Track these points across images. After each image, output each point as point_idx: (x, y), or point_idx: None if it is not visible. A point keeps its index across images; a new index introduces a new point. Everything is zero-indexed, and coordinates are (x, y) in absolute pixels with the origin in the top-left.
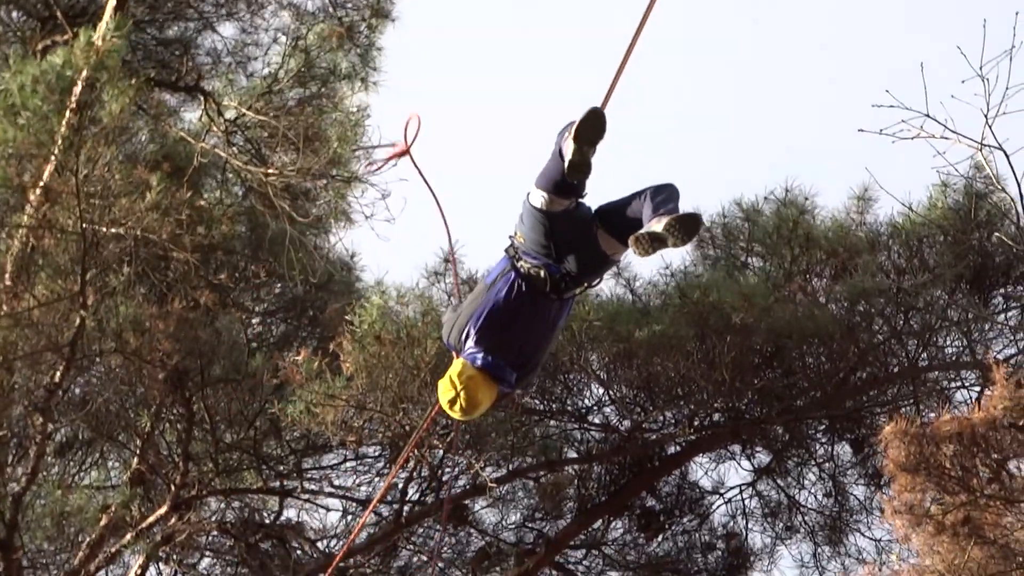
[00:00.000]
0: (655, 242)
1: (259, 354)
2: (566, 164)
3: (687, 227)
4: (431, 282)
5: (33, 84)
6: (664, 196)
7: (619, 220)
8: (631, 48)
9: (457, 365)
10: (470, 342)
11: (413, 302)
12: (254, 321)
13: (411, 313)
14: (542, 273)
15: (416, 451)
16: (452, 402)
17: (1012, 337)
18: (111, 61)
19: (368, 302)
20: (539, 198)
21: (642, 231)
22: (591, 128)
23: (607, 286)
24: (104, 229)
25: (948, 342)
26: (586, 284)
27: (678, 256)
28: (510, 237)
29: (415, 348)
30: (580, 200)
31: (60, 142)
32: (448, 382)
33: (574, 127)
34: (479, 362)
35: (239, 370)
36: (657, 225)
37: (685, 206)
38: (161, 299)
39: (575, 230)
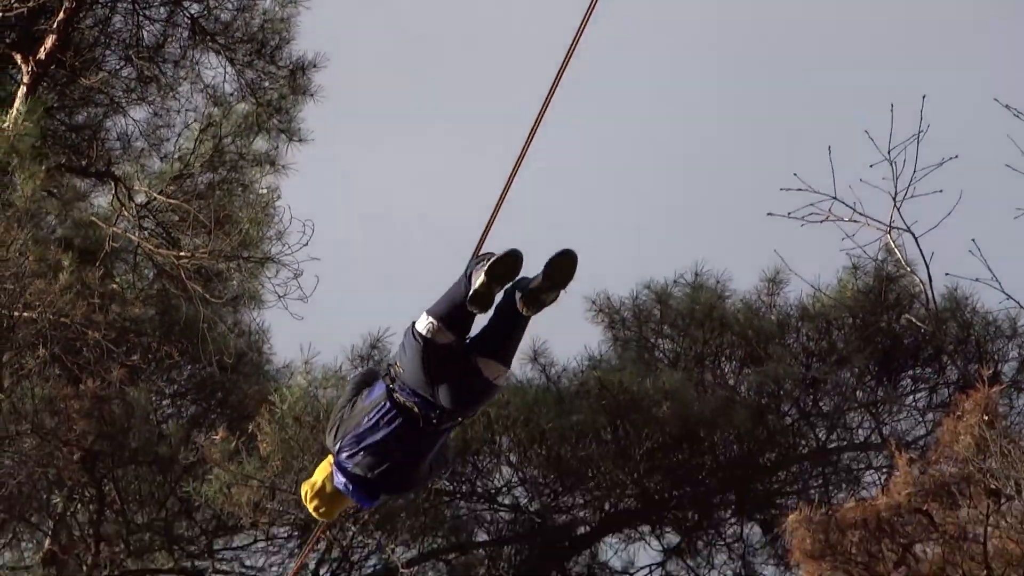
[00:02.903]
0: (536, 298)
1: (170, 435)
2: (471, 291)
3: (562, 268)
4: (354, 366)
5: None
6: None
7: (492, 338)
8: (535, 128)
9: (321, 473)
10: (342, 455)
11: (334, 385)
12: (164, 403)
13: (331, 396)
14: (415, 409)
15: (327, 532)
16: (310, 505)
17: (921, 419)
18: (22, 145)
19: (291, 384)
20: (425, 324)
21: (528, 288)
22: (506, 268)
23: (522, 370)
24: (17, 313)
25: (857, 425)
26: (460, 418)
27: (593, 341)
28: (389, 366)
29: None
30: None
31: None
32: (312, 486)
33: (490, 262)
34: (339, 484)
35: (149, 451)
36: (535, 281)
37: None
38: (75, 380)
39: (454, 363)
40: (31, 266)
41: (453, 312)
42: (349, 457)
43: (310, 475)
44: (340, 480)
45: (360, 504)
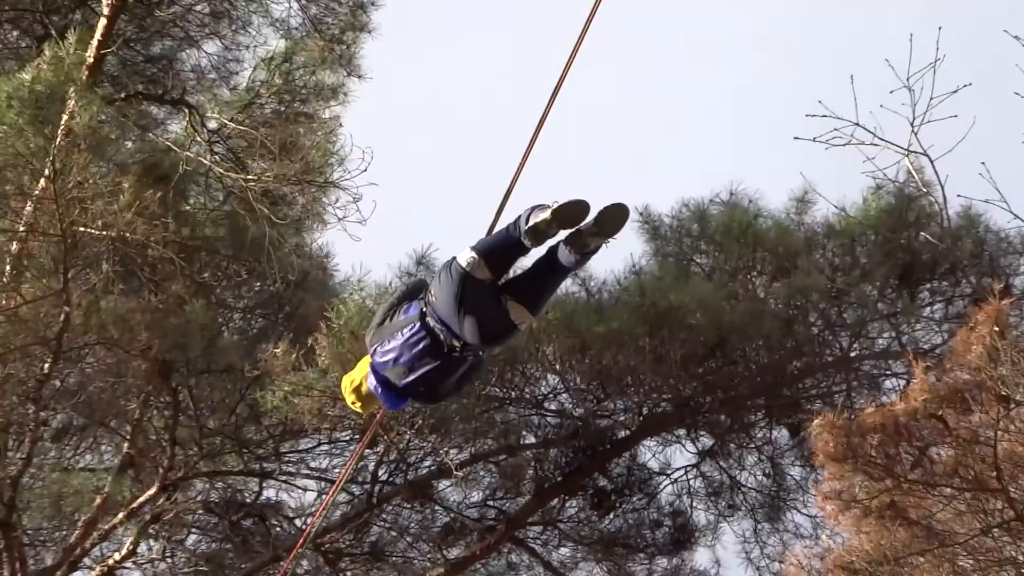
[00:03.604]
0: (584, 241)
1: (240, 347)
2: (532, 224)
3: (614, 219)
4: (404, 282)
5: (7, 100)
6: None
7: (526, 286)
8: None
9: (360, 372)
10: (376, 359)
11: (387, 300)
12: (235, 317)
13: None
14: (442, 336)
15: (386, 436)
16: (347, 398)
17: (937, 328)
18: (76, 74)
19: (347, 300)
20: (467, 258)
21: (577, 229)
22: (573, 213)
23: (564, 285)
24: (83, 229)
25: (878, 334)
26: (482, 352)
27: (637, 253)
28: (426, 291)
29: None
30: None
31: (36, 152)
32: (351, 380)
33: (560, 203)
34: (371, 385)
35: (220, 362)
36: (585, 226)
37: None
38: (147, 294)
39: (485, 300)
40: (93, 188)
41: (496, 251)
42: (382, 364)
43: (353, 369)
44: (373, 382)
45: (387, 406)
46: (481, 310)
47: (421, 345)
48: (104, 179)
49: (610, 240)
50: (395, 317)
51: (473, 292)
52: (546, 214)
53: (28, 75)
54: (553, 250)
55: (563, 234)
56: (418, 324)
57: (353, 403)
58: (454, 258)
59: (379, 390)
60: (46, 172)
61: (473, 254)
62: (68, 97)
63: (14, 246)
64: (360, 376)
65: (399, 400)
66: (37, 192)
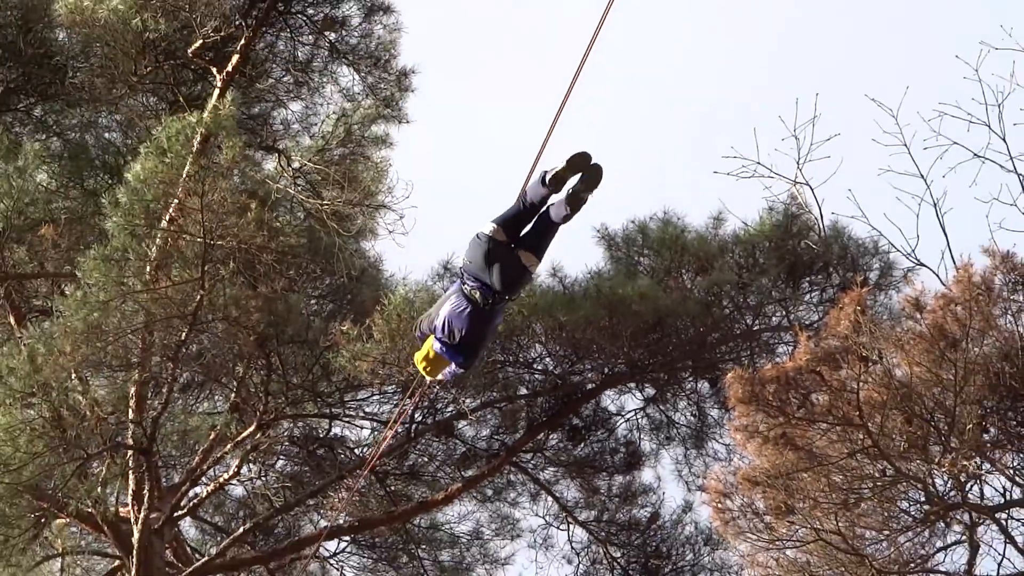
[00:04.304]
0: (575, 198)
1: (315, 324)
2: (552, 172)
3: (593, 175)
4: (433, 281)
5: (176, 135)
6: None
7: (531, 239)
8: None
9: (428, 345)
10: (436, 331)
11: (422, 293)
12: (312, 303)
13: (421, 300)
14: (478, 294)
15: (422, 389)
16: (420, 366)
17: (815, 309)
18: (228, 122)
19: (394, 291)
20: (490, 227)
21: (567, 193)
22: (582, 158)
23: (546, 281)
24: (213, 240)
25: (773, 314)
26: (507, 298)
27: (596, 261)
28: (461, 269)
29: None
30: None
31: (190, 175)
32: (423, 353)
33: (572, 154)
34: (439, 348)
35: (302, 334)
36: (575, 185)
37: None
38: (253, 286)
39: (504, 254)
40: (227, 207)
41: (510, 220)
42: (441, 331)
43: (420, 350)
44: (437, 346)
45: (451, 360)
46: (503, 261)
47: (463, 310)
48: (234, 199)
49: (593, 192)
50: (443, 301)
51: (495, 250)
52: (562, 164)
53: (193, 119)
54: (547, 212)
55: (561, 195)
56: (460, 294)
57: (425, 369)
58: (479, 231)
59: (444, 350)
60: (196, 190)
61: (493, 224)
62: (218, 136)
63: (168, 242)
64: (427, 348)
65: (458, 354)
66: (189, 204)
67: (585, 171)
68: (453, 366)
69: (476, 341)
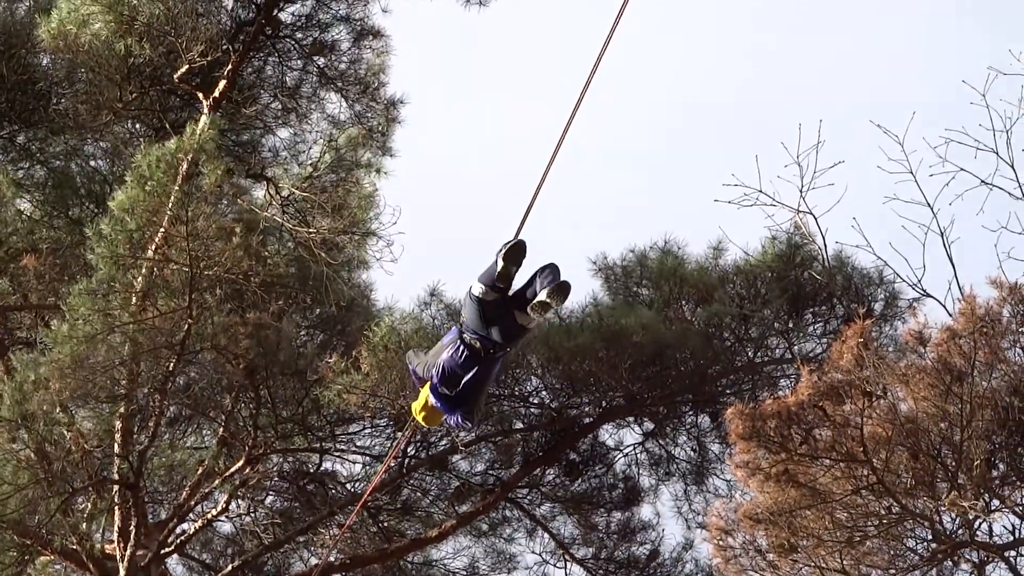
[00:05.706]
0: (543, 306)
1: (304, 356)
2: (493, 282)
3: (561, 292)
4: (421, 309)
5: (156, 162)
6: (546, 273)
7: (524, 300)
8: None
9: (423, 397)
10: (433, 380)
11: (409, 322)
12: (301, 333)
13: (408, 330)
14: (477, 344)
15: (412, 421)
16: (419, 416)
17: (818, 342)
18: (209, 145)
19: (381, 322)
20: (479, 289)
21: (535, 301)
22: (514, 255)
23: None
24: (202, 266)
25: (775, 346)
26: (507, 349)
27: (596, 288)
28: (460, 317)
29: None
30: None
31: (173, 202)
32: (419, 404)
33: (504, 250)
34: (434, 401)
35: (291, 366)
36: (542, 295)
37: (566, 274)
38: (240, 315)
39: (499, 312)
40: (211, 233)
41: (493, 282)
42: (438, 380)
43: (416, 399)
44: (433, 400)
45: (446, 413)
46: (500, 320)
47: (462, 356)
48: (218, 225)
49: (560, 306)
50: (439, 348)
51: (489, 310)
52: (500, 265)
53: (173, 144)
54: (532, 282)
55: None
56: (459, 342)
57: (424, 419)
58: (471, 288)
59: (439, 404)
60: (180, 217)
61: (481, 285)
62: (199, 162)
63: (154, 271)
64: (424, 399)
65: (455, 409)
66: (173, 232)
67: (552, 290)
68: (458, 416)
69: (476, 390)
